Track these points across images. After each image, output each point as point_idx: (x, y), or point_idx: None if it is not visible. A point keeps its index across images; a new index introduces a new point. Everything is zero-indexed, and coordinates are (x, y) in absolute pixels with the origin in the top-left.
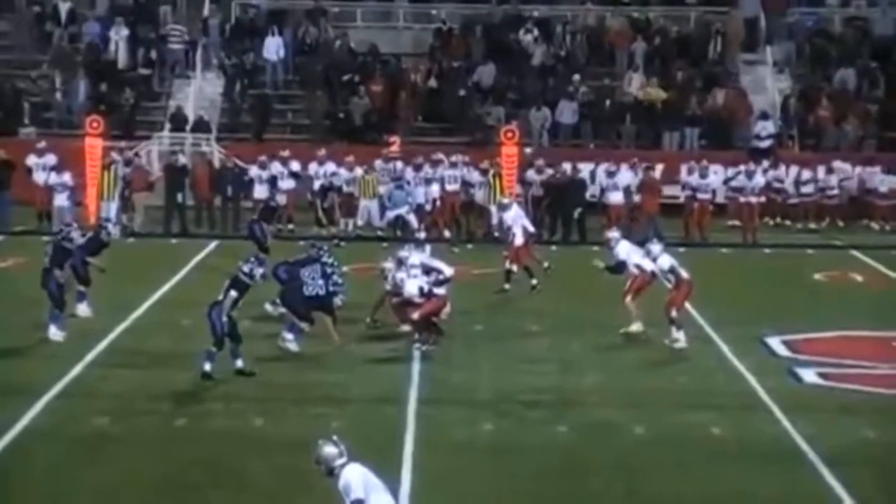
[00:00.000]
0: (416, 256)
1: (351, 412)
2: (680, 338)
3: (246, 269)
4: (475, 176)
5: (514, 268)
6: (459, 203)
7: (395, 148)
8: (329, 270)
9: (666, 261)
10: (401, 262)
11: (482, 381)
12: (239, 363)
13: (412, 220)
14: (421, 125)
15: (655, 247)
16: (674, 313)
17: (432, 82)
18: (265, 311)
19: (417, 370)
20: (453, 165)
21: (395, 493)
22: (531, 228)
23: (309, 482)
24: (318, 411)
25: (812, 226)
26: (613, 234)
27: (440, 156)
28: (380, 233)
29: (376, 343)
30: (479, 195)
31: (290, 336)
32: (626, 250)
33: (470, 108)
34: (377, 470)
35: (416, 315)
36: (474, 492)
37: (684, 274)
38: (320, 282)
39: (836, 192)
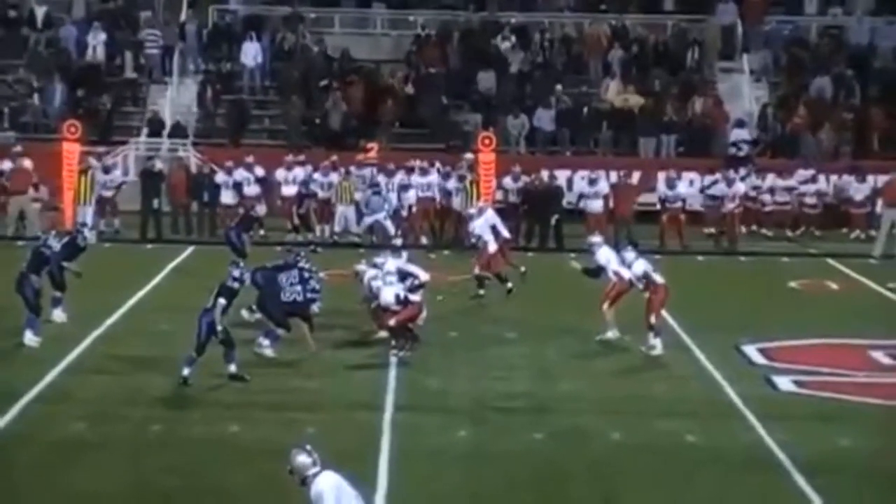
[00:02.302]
0: (391, 263)
1: (327, 418)
2: (656, 344)
3: (236, 273)
4: (452, 182)
5: (486, 273)
6: (436, 209)
7: (372, 154)
8: (307, 276)
9: (640, 266)
10: (376, 268)
11: (458, 387)
12: (233, 368)
13: (389, 225)
14: (398, 131)
15: (629, 253)
16: (653, 319)
17: (409, 88)
18: (241, 316)
19: (394, 376)
20: (429, 172)
21: (370, 500)
22: (506, 233)
23: (285, 489)
24: (293, 417)
25: (788, 234)
26: (596, 238)
27: (417, 162)
28: (357, 239)
29: (353, 349)
30: (456, 201)
31: (266, 342)
32: (606, 256)
33: (448, 115)
34: (353, 477)
35: (392, 322)
36: (450, 498)
37: (659, 279)
38: (298, 287)
39: (813, 200)
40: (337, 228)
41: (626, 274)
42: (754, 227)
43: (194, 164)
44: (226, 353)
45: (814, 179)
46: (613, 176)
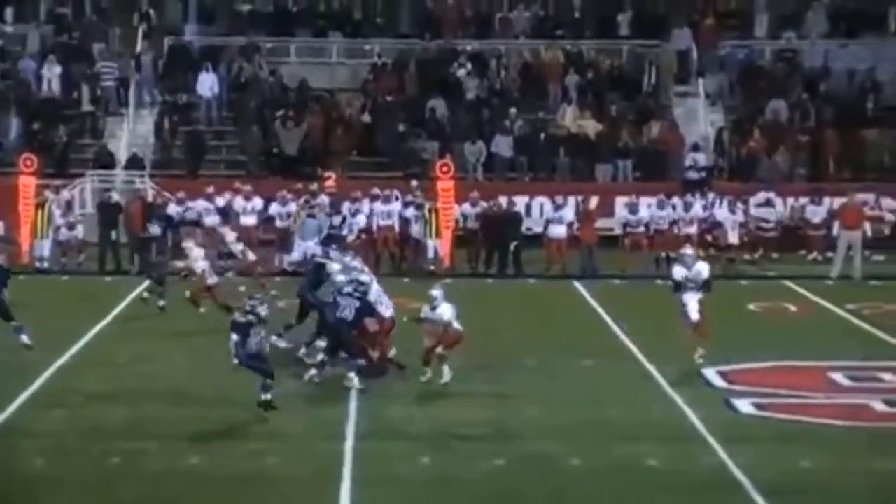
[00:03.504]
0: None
1: (288, 448)
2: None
3: (248, 306)
4: (410, 210)
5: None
6: (395, 237)
7: (330, 182)
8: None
9: (447, 311)
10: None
11: (419, 414)
12: (265, 396)
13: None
14: (356, 159)
15: (436, 291)
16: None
17: (366, 117)
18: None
19: (354, 405)
20: (387, 199)
21: None
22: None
23: None
24: (254, 448)
25: (746, 256)
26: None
27: (377, 190)
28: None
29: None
30: (415, 229)
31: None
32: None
33: (405, 143)
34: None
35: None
36: None
37: (457, 325)
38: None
39: (770, 224)
40: (296, 257)
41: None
42: (712, 251)
43: (150, 195)
44: (262, 382)
45: (769, 203)
46: (573, 202)
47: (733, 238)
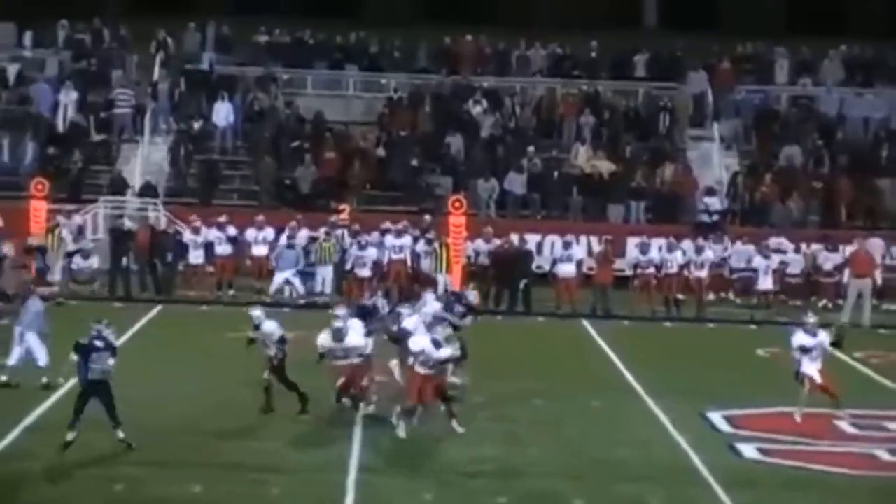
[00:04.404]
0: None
1: (290, 479)
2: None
3: (94, 330)
4: (421, 245)
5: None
6: (406, 272)
7: (344, 215)
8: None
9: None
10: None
11: (424, 450)
12: None
13: (297, 283)
14: (369, 193)
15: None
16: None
17: (381, 151)
18: None
19: (359, 437)
20: (399, 234)
21: None
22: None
23: None
24: (257, 478)
25: (754, 301)
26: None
27: (390, 224)
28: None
29: (318, 408)
30: (426, 264)
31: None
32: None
33: (419, 178)
34: None
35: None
36: None
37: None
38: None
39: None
40: (318, 288)
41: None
42: (722, 294)
43: (164, 223)
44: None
45: (782, 249)
46: (584, 241)
47: (766, 284)
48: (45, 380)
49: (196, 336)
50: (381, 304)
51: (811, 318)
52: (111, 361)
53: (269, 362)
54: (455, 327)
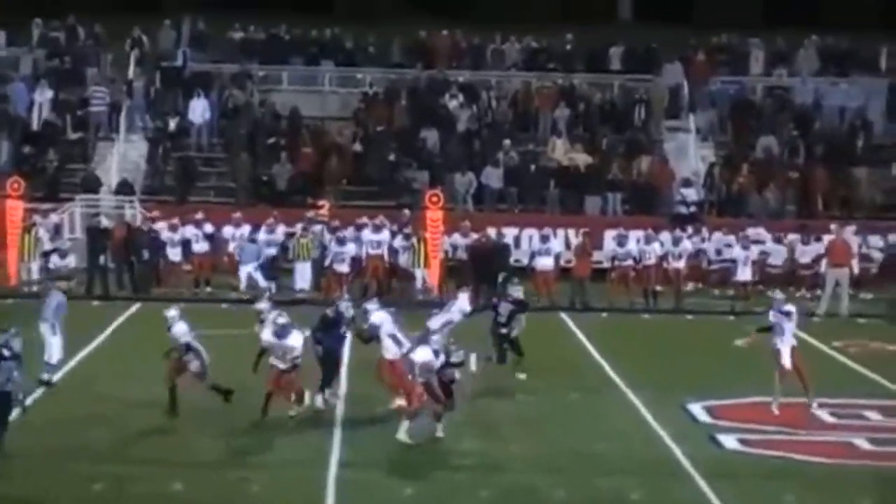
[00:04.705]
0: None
1: (270, 476)
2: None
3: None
4: (399, 240)
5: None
6: (384, 267)
7: (324, 211)
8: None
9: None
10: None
11: (405, 445)
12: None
13: (259, 277)
14: (346, 188)
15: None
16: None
17: (357, 146)
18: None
19: (339, 434)
20: (377, 229)
21: None
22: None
23: None
24: (238, 475)
25: (730, 292)
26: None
27: (367, 219)
28: (305, 295)
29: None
30: (403, 259)
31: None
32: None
33: (396, 173)
34: None
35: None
36: None
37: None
38: None
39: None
40: (299, 285)
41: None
42: (700, 285)
43: (140, 221)
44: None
45: (761, 240)
46: (562, 234)
47: (745, 275)
48: (46, 376)
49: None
50: (345, 307)
51: (779, 295)
52: (16, 374)
53: (176, 364)
54: (501, 328)
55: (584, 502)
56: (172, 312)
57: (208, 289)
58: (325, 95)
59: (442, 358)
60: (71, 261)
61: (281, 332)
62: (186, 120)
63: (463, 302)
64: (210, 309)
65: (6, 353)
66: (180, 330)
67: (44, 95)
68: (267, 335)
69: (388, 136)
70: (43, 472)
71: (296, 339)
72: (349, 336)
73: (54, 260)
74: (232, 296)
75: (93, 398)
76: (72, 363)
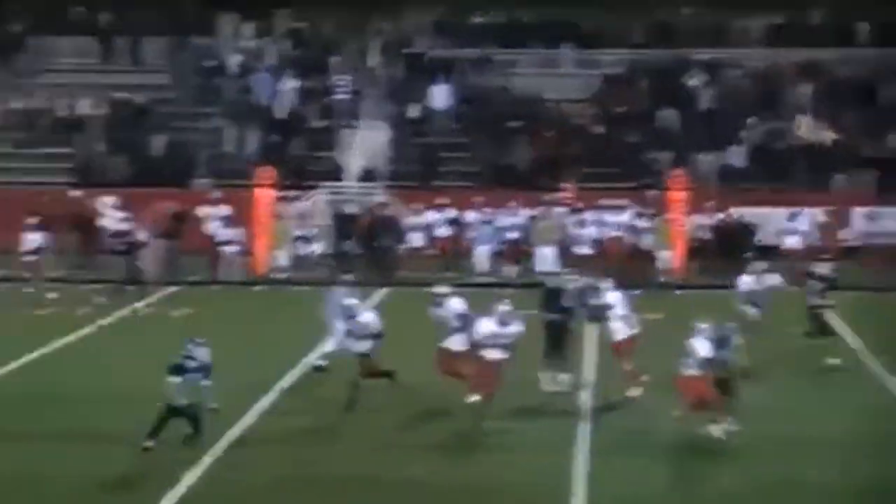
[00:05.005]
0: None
1: (518, 461)
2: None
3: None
4: (641, 221)
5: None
6: (624, 249)
7: (567, 194)
8: None
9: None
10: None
11: (657, 427)
12: None
13: (483, 260)
14: (588, 171)
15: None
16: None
17: (599, 128)
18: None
19: (590, 417)
20: (618, 211)
21: None
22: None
23: None
24: (494, 459)
25: None
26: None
27: (608, 201)
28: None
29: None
30: (646, 241)
31: None
32: None
33: (638, 154)
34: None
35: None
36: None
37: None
38: None
39: None
40: (538, 268)
41: None
42: None
43: (383, 207)
44: None
45: None
46: (809, 212)
47: None
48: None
49: (425, 317)
50: (570, 281)
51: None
52: (204, 383)
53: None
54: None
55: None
56: (444, 289)
57: (451, 273)
58: (565, 78)
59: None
60: (317, 247)
61: (504, 320)
62: (428, 106)
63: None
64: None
65: (191, 364)
66: (456, 305)
67: (288, 85)
68: (488, 325)
69: (630, 116)
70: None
71: (517, 327)
72: (576, 311)
73: (301, 247)
74: (474, 280)
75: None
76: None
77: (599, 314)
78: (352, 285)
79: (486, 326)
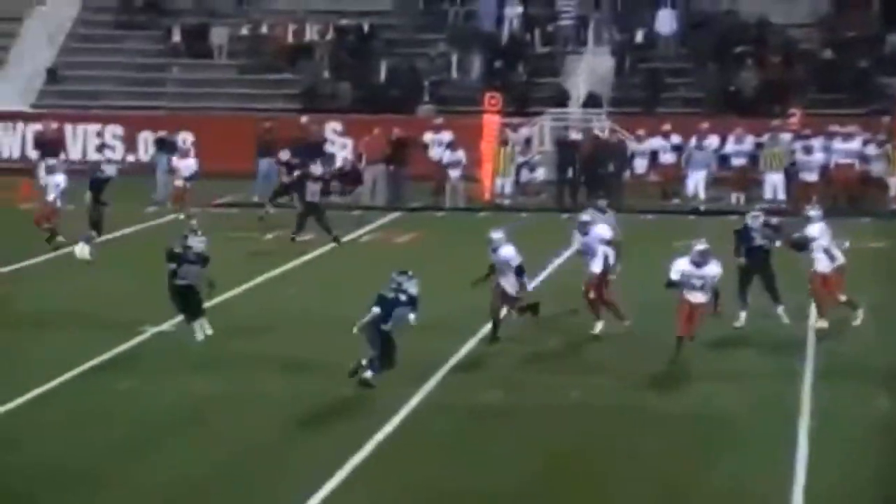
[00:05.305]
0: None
1: (741, 389)
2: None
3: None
4: (872, 148)
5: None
6: (853, 176)
7: (794, 120)
8: None
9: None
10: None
11: (875, 353)
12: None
13: (701, 187)
14: (815, 97)
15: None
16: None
17: (827, 53)
18: None
19: (811, 346)
20: (847, 137)
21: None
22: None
23: (710, 460)
24: (712, 389)
25: None
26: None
27: (837, 127)
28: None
29: (768, 321)
30: (877, 168)
31: None
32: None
33: (868, 79)
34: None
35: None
36: (860, 471)
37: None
38: None
39: None
40: (768, 195)
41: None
42: None
43: (608, 133)
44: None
45: None
46: None
47: None
48: None
49: (644, 246)
50: (753, 216)
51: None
52: (412, 316)
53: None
54: None
55: None
56: (498, 234)
57: (676, 200)
58: (793, 2)
59: None
60: (540, 174)
61: (700, 261)
62: (653, 31)
63: None
64: (677, 222)
65: (402, 297)
66: (508, 252)
67: (513, 10)
68: (683, 264)
69: (859, 41)
70: (514, 382)
71: (713, 269)
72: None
73: (525, 173)
74: (689, 206)
75: (563, 306)
76: (544, 272)
77: (803, 245)
78: (600, 211)
79: (681, 265)
